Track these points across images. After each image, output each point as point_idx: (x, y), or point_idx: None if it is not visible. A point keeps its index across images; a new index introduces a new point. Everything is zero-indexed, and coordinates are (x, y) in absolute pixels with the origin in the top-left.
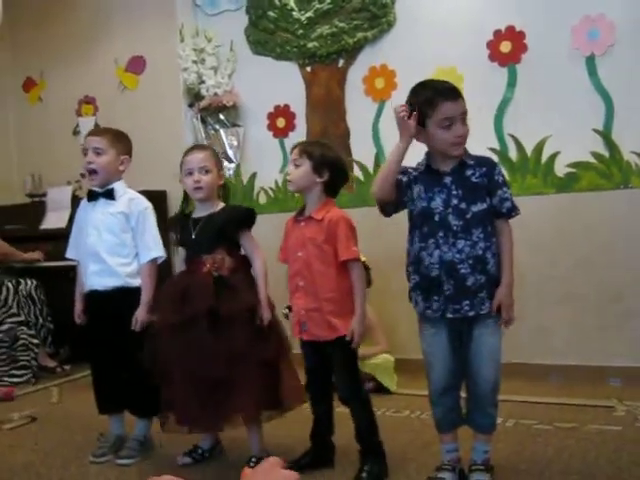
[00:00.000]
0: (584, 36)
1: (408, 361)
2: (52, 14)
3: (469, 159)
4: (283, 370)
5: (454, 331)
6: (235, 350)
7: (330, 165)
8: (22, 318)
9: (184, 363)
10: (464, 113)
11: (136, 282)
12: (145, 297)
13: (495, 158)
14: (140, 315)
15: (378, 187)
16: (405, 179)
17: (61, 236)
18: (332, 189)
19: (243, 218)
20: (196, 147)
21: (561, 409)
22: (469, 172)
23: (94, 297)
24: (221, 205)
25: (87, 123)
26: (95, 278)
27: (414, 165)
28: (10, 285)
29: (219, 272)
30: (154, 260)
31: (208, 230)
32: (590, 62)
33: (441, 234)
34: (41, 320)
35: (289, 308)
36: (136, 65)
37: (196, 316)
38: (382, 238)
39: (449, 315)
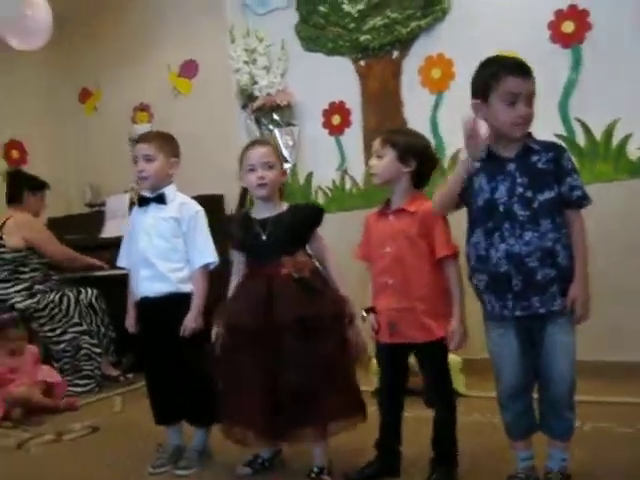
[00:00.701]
0: None
1: (476, 361)
2: (103, 24)
3: (534, 144)
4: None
5: (523, 330)
6: (325, 358)
7: (417, 153)
8: (84, 327)
9: (266, 373)
10: (530, 94)
11: (188, 288)
12: (196, 304)
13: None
14: (190, 322)
15: (439, 205)
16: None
17: (120, 244)
18: (420, 179)
19: (315, 217)
20: (257, 142)
21: None
22: (535, 158)
23: (146, 304)
24: (285, 204)
25: (142, 131)
26: (146, 284)
27: None
28: (71, 295)
29: (300, 274)
30: (206, 266)
31: (281, 231)
32: None
33: (507, 226)
34: (103, 329)
35: (370, 310)
36: (189, 69)
37: (283, 325)
38: None
39: (518, 313)
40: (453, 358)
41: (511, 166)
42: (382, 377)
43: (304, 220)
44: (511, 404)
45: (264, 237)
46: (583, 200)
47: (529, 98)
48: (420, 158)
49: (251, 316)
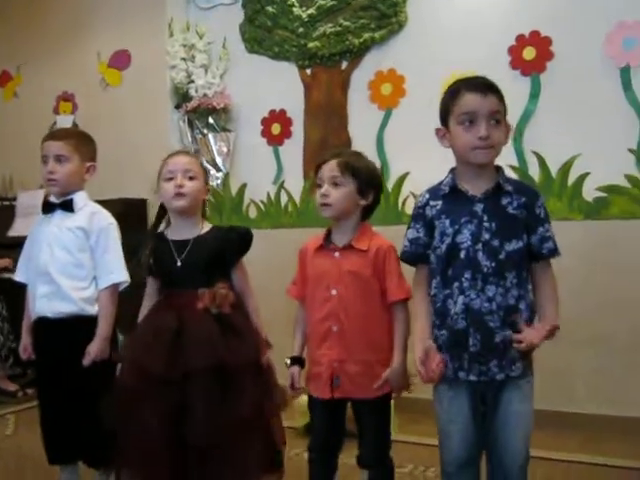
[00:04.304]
0: (619, 45)
1: (410, 400)
2: (32, 3)
3: (507, 184)
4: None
5: (476, 394)
6: (241, 415)
7: (375, 185)
8: None
9: (170, 427)
10: (495, 112)
11: (94, 310)
12: (102, 329)
13: (514, 177)
14: (93, 349)
15: None
16: (428, 214)
17: None
18: (369, 211)
19: (244, 243)
20: (180, 151)
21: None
22: (505, 200)
23: (43, 325)
24: (208, 225)
25: (65, 122)
26: (45, 302)
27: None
28: None
29: (219, 309)
30: (115, 286)
31: (199, 256)
32: (625, 74)
33: (467, 276)
34: (1, 338)
35: (296, 360)
36: (120, 60)
37: (194, 371)
38: None
39: (472, 377)
40: None
41: (479, 207)
42: (315, 432)
43: (228, 245)
44: (459, 476)
45: (179, 263)
46: (553, 254)
47: (493, 117)
48: (377, 191)
49: (156, 355)
